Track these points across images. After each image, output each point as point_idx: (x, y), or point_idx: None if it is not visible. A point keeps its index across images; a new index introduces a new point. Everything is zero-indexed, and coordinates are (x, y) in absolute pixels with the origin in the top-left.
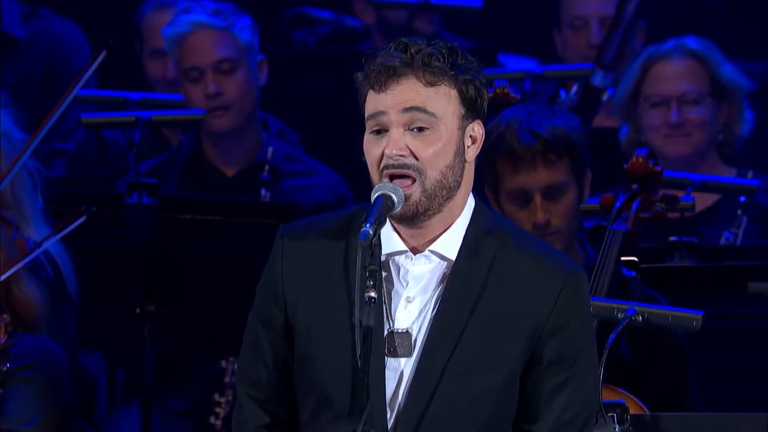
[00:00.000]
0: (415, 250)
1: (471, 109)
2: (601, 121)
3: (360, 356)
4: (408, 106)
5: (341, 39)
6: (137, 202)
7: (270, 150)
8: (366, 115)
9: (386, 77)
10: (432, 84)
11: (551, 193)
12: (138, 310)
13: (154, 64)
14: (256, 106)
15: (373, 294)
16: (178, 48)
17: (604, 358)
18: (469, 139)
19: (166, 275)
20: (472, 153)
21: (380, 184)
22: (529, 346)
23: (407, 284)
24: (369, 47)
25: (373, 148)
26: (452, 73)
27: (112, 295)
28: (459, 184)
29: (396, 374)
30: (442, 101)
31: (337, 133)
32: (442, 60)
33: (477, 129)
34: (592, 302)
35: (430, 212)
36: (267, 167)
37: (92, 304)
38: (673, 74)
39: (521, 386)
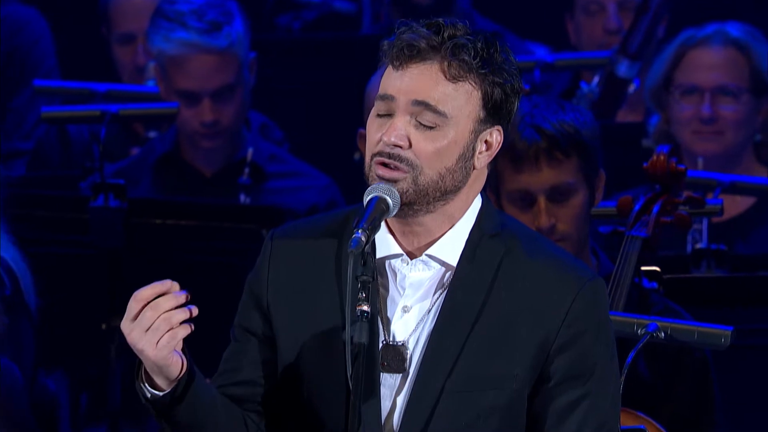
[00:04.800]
0: (412, 255)
1: (493, 114)
2: (625, 115)
3: (351, 376)
4: (419, 99)
5: (330, 24)
6: (103, 205)
7: (250, 151)
8: (378, 92)
9: (408, 55)
10: (454, 79)
11: (557, 195)
12: (104, 326)
13: (122, 50)
14: (247, 111)
15: (365, 308)
16: (170, 65)
17: (622, 378)
18: (484, 144)
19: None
20: (483, 160)
21: (374, 185)
22: (537, 362)
23: (404, 291)
24: (370, 32)
25: (374, 131)
26: (481, 71)
27: (74, 309)
28: (459, 189)
29: (392, 392)
30: (460, 100)
31: (325, 130)
32: (473, 54)
33: (495, 136)
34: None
35: (416, 207)
36: (247, 170)
37: (53, 319)
38: (709, 63)
39: (529, 405)
